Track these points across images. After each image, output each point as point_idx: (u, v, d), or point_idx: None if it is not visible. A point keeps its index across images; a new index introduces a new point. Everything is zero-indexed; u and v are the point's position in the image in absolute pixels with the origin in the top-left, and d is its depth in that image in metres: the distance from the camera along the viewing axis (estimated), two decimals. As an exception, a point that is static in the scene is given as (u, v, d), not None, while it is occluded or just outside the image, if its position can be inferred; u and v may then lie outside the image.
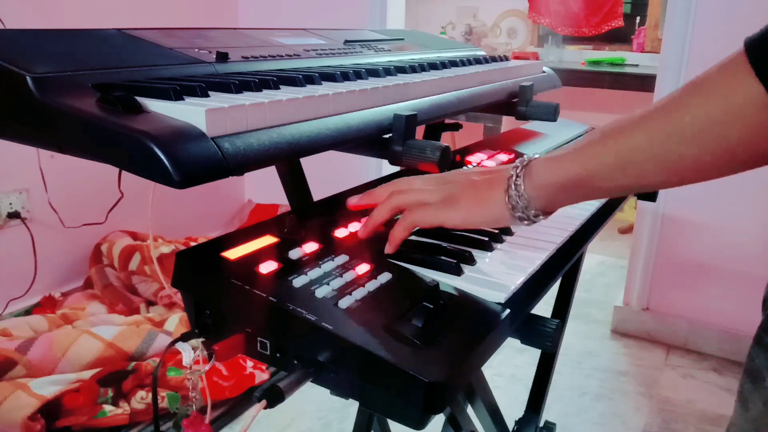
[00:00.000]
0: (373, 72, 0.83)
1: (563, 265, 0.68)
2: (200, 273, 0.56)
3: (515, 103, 1.04)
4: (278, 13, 2.56)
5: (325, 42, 0.98)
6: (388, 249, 0.63)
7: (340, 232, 0.65)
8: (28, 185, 2.01)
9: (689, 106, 0.48)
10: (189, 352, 0.58)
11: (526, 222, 0.59)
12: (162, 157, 0.47)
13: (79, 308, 1.99)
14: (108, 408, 1.51)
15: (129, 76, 0.62)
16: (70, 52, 0.61)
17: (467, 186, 0.61)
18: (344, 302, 0.52)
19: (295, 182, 0.77)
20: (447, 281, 0.58)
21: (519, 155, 1.02)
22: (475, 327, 0.52)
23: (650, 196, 1.12)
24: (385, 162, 0.72)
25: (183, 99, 0.57)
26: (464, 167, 0.64)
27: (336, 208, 0.73)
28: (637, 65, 3.06)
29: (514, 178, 0.58)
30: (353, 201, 0.68)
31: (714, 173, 0.50)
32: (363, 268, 0.58)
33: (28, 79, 0.53)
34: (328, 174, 1.50)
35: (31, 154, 1.94)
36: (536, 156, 0.59)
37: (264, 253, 0.58)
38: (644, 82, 2.64)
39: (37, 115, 0.53)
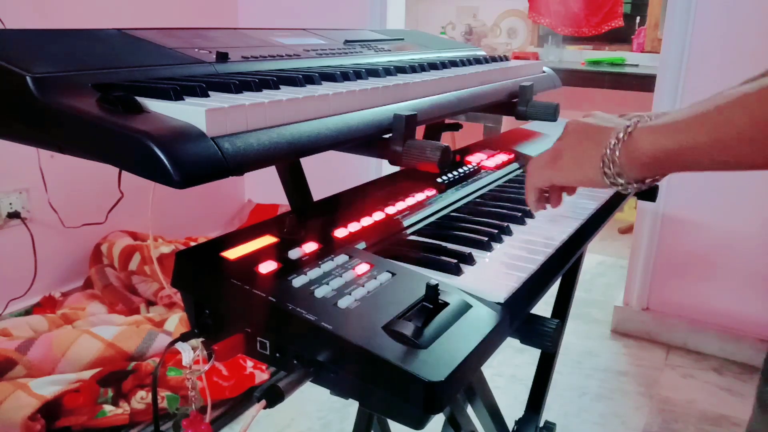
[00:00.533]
0: (373, 72, 0.83)
1: (563, 265, 0.68)
2: (200, 273, 0.56)
3: (515, 103, 1.04)
4: (278, 13, 2.56)
5: (325, 42, 0.98)
6: (534, 208, 0.69)
7: (340, 232, 0.65)
8: (28, 185, 2.01)
9: None
10: (189, 352, 0.58)
11: (619, 188, 0.58)
12: (162, 157, 0.47)
13: (79, 308, 1.99)
14: (108, 408, 1.51)
15: (129, 76, 0.62)
16: (70, 52, 0.61)
17: (573, 144, 0.62)
18: (344, 302, 0.52)
19: (295, 182, 0.77)
20: (447, 281, 0.58)
21: (519, 155, 1.02)
22: (475, 327, 0.52)
23: (650, 196, 1.11)
24: (385, 162, 0.72)
25: (183, 99, 0.57)
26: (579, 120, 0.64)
27: (336, 208, 0.73)
28: (637, 65, 3.06)
29: (613, 143, 0.57)
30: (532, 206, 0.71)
31: None
32: (363, 268, 0.58)
33: (28, 79, 0.53)
34: (328, 174, 1.50)
35: (31, 154, 1.94)
36: (642, 121, 0.57)
37: (264, 253, 0.58)
38: (644, 82, 2.64)
39: (37, 115, 0.53)
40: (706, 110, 0.52)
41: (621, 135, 0.56)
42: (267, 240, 0.61)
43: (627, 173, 0.57)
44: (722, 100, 0.51)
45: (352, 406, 1.68)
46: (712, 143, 0.51)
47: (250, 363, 1.71)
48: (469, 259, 0.63)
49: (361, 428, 1.06)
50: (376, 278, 0.56)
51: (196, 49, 0.75)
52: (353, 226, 0.67)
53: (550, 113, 1.02)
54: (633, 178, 0.57)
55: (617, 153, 0.56)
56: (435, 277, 0.58)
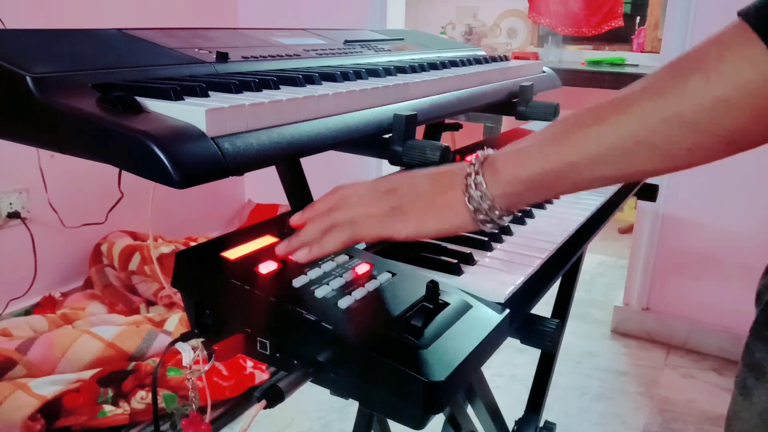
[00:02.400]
0: (373, 72, 0.83)
1: (563, 265, 0.68)
2: (200, 273, 0.56)
3: (515, 103, 1.04)
4: (278, 13, 2.56)
5: (325, 42, 0.98)
6: (306, 256, 0.56)
7: (340, 232, 0.65)
8: (28, 185, 2.01)
9: (687, 86, 0.44)
10: (189, 352, 0.58)
11: (489, 225, 0.53)
12: (162, 157, 0.47)
13: (79, 308, 1.99)
14: (108, 408, 1.51)
15: (129, 76, 0.62)
16: (70, 52, 0.61)
17: (416, 192, 0.54)
18: (344, 302, 0.52)
19: (295, 182, 0.77)
20: (447, 281, 0.58)
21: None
22: (475, 327, 0.52)
23: (650, 196, 1.12)
24: (385, 162, 0.72)
25: (183, 99, 0.57)
26: (405, 172, 0.58)
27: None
28: (637, 65, 3.06)
29: (473, 176, 0.52)
30: (295, 219, 0.60)
31: (711, 157, 0.45)
32: (363, 268, 0.58)
33: (28, 79, 0.53)
34: (328, 174, 1.50)
35: (31, 154, 1.94)
36: (493, 151, 0.53)
37: (264, 253, 0.58)
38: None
39: (37, 115, 0.53)
40: (585, 121, 0.48)
41: (476, 166, 0.52)
42: (267, 240, 0.61)
43: (498, 203, 0.51)
44: (603, 108, 0.47)
45: (352, 406, 1.68)
46: (599, 156, 0.47)
47: (250, 363, 1.71)
48: (469, 259, 0.63)
49: (361, 428, 1.06)
50: (376, 278, 0.56)
51: (196, 49, 0.75)
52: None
53: (550, 113, 1.02)
54: (505, 208, 0.52)
55: (484, 185, 0.51)
56: (435, 277, 0.58)
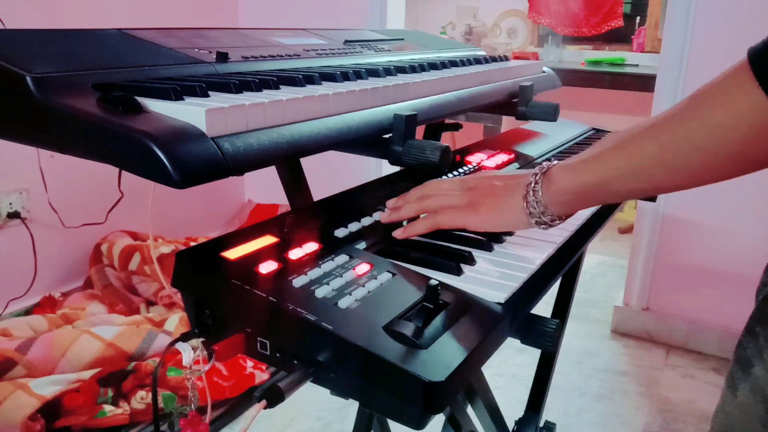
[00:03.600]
0: (373, 72, 0.83)
1: (563, 265, 0.68)
2: (200, 273, 0.56)
3: (515, 103, 1.04)
4: (278, 13, 2.56)
5: (325, 42, 0.98)
6: (400, 234, 0.67)
7: (340, 232, 0.65)
8: (28, 185, 2.01)
9: (697, 114, 0.51)
10: (189, 352, 0.58)
11: (543, 227, 0.63)
12: (162, 157, 0.47)
13: (79, 308, 1.99)
14: (108, 408, 1.51)
15: (129, 76, 0.62)
16: (70, 52, 0.61)
17: (488, 192, 0.65)
18: (344, 302, 0.52)
19: (295, 182, 0.77)
20: (447, 281, 0.58)
21: (519, 155, 1.02)
22: (475, 327, 0.52)
23: (650, 197, 1.12)
24: (385, 162, 0.72)
25: (183, 99, 0.57)
26: (484, 172, 0.70)
27: (336, 208, 0.73)
28: (637, 65, 3.06)
29: (532, 185, 0.62)
30: (391, 203, 0.71)
31: (722, 175, 0.53)
32: (363, 268, 0.58)
33: (28, 79, 0.53)
34: (328, 174, 1.50)
35: (31, 154, 1.94)
36: (554, 163, 0.63)
37: (264, 253, 0.58)
38: (644, 82, 2.64)
39: (37, 115, 0.53)
40: (619, 143, 0.57)
41: (537, 176, 0.62)
42: (267, 240, 0.61)
43: (551, 210, 0.62)
44: (634, 131, 0.56)
45: (352, 406, 1.68)
46: (629, 172, 0.56)
47: (250, 363, 1.71)
48: (469, 259, 0.63)
49: (361, 428, 1.06)
50: (376, 278, 0.56)
51: (196, 49, 0.75)
52: (353, 226, 0.67)
53: (550, 113, 1.02)
54: (557, 214, 0.62)
55: (540, 193, 0.61)
56: (435, 277, 0.58)
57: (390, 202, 0.72)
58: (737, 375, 0.61)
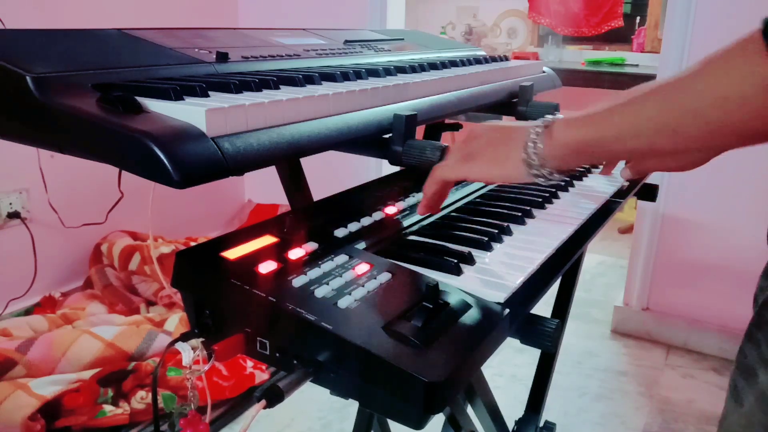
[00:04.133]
0: (373, 72, 0.83)
1: (563, 265, 0.68)
2: (200, 273, 0.56)
3: (515, 103, 1.04)
4: (278, 13, 2.56)
5: (325, 42, 0.98)
6: (420, 210, 0.70)
7: (340, 232, 0.65)
8: (28, 185, 2.01)
9: (702, 81, 0.50)
10: (189, 352, 0.58)
11: (541, 180, 0.62)
12: (162, 157, 0.47)
13: (79, 308, 1.99)
14: (108, 408, 1.51)
15: (129, 76, 0.62)
16: (70, 52, 0.61)
17: (488, 143, 0.64)
18: (344, 302, 0.52)
19: (295, 182, 0.77)
20: (447, 281, 0.58)
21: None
22: (475, 327, 0.52)
23: (650, 196, 1.11)
24: (385, 162, 0.72)
25: (183, 99, 0.57)
26: (486, 123, 0.68)
27: (336, 208, 0.73)
28: (637, 65, 3.06)
29: (533, 137, 0.61)
30: (421, 210, 0.72)
31: (722, 144, 0.53)
32: (362, 268, 0.58)
33: (28, 79, 0.53)
34: (328, 174, 1.50)
35: (31, 154, 1.94)
36: (558, 117, 0.62)
37: (264, 253, 0.58)
38: (644, 82, 2.63)
39: (37, 115, 0.53)
40: (621, 102, 0.56)
41: (539, 129, 0.61)
42: (267, 240, 0.61)
43: (550, 163, 0.61)
44: (637, 92, 0.55)
45: (352, 406, 1.68)
46: (627, 131, 0.55)
47: (250, 363, 1.71)
48: (469, 259, 0.63)
49: (361, 428, 1.06)
50: (376, 278, 0.56)
51: (196, 49, 0.75)
52: (353, 226, 0.67)
53: (550, 113, 1.02)
54: (556, 168, 0.61)
55: (540, 145, 0.60)
56: (435, 277, 0.58)
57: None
58: (740, 384, 0.60)
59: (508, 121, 0.68)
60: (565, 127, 0.60)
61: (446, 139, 1.24)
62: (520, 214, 0.77)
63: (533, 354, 1.06)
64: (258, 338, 0.53)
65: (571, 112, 0.62)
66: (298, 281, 0.54)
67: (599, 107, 0.59)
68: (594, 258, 2.90)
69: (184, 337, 0.57)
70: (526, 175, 0.62)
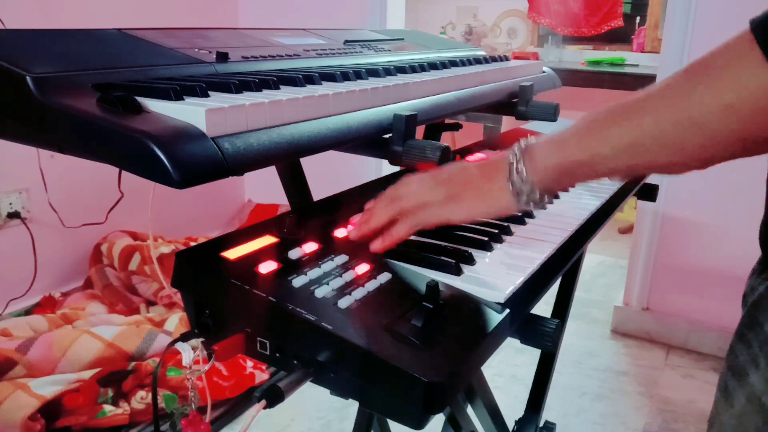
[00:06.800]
0: (373, 72, 0.83)
1: (563, 265, 0.68)
2: (200, 273, 0.56)
3: (515, 103, 1.04)
4: (278, 13, 2.56)
5: (325, 42, 0.98)
6: (377, 246, 0.62)
7: (340, 232, 0.65)
8: (28, 185, 2.01)
9: (697, 90, 0.48)
10: (189, 352, 0.58)
11: (532, 205, 0.59)
12: (162, 157, 0.47)
13: (79, 308, 1.99)
14: (108, 408, 1.51)
15: (129, 76, 0.62)
16: (70, 52, 0.61)
17: (467, 181, 0.61)
18: (344, 302, 0.52)
19: (295, 182, 0.77)
20: (447, 281, 0.58)
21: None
22: (475, 327, 0.52)
23: (650, 196, 1.11)
24: (385, 162, 0.72)
25: (183, 99, 0.57)
26: (456, 163, 0.66)
27: (336, 208, 0.73)
28: (637, 65, 3.06)
29: (515, 164, 0.58)
30: (354, 234, 0.65)
31: (722, 154, 0.49)
32: (363, 268, 0.58)
33: (28, 79, 0.53)
34: (328, 174, 1.50)
35: (31, 154, 1.94)
36: (532, 140, 0.59)
37: (264, 253, 0.58)
38: (644, 82, 2.61)
39: (37, 115, 0.53)
40: (612, 116, 0.53)
41: (517, 155, 0.58)
42: (267, 240, 0.61)
43: (537, 187, 0.58)
44: (628, 104, 0.53)
45: (352, 406, 1.68)
46: (622, 148, 0.52)
47: (250, 363, 1.71)
48: (469, 259, 0.63)
49: (361, 428, 1.06)
50: (376, 278, 0.56)
51: (196, 49, 0.75)
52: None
53: (550, 113, 1.02)
54: (546, 190, 0.58)
55: (524, 172, 0.58)
56: (435, 277, 0.58)
57: (355, 218, 0.66)
58: (731, 383, 0.60)
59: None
60: (549, 148, 0.57)
61: (446, 139, 1.24)
62: (520, 214, 0.77)
63: (533, 354, 1.06)
64: (258, 338, 0.53)
65: (543, 134, 0.60)
66: (298, 281, 0.54)
67: (584, 123, 0.56)
68: (594, 258, 2.90)
69: (184, 337, 0.57)
70: (515, 205, 0.59)
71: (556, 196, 0.87)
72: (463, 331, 0.51)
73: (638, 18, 3.30)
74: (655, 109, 0.50)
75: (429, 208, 0.62)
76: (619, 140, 0.53)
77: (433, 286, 0.52)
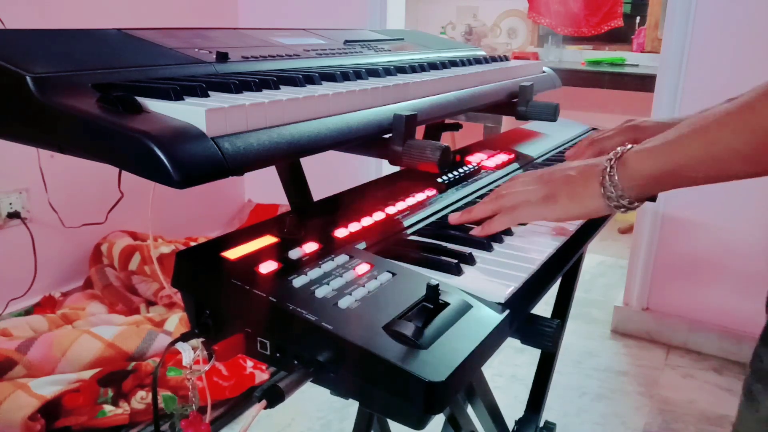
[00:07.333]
0: (373, 72, 0.83)
1: (563, 265, 0.68)
2: (200, 273, 0.56)
3: (515, 103, 1.04)
4: (278, 13, 2.56)
5: (325, 42, 0.98)
6: (475, 232, 0.69)
7: (340, 232, 0.65)
8: (28, 185, 2.01)
9: None
10: (189, 352, 0.58)
11: (622, 210, 0.64)
12: (162, 157, 0.47)
13: (79, 308, 1.99)
14: (108, 408, 1.51)
15: (129, 76, 0.62)
16: (70, 52, 0.61)
17: (564, 182, 0.66)
18: (344, 302, 0.52)
19: (295, 182, 0.77)
20: (447, 281, 0.58)
21: (519, 155, 1.02)
22: (475, 327, 0.52)
23: (650, 196, 1.11)
24: (385, 162, 0.72)
25: (183, 99, 0.57)
26: (557, 165, 0.71)
27: (336, 208, 0.73)
28: (637, 65, 3.06)
29: (608, 170, 0.62)
30: (455, 218, 0.72)
31: None
32: (363, 268, 0.58)
33: (28, 79, 0.53)
34: (328, 174, 1.50)
35: (31, 154, 1.94)
36: (629, 147, 0.63)
37: (264, 253, 0.58)
38: (644, 82, 2.64)
39: (37, 115, 0.53)
40: (695, 129, 0.58)
41: (612, 161, 0.63)
42: (267, 240, 0.61)
43: (628, 193, 0.62)
44: (710, 117, 0.57)
45: (352, 406, 1.68)
46: (703, 160, 0.57)
47: (250, 363, 1.71)
48: (469, 259, 0.63)
49: (361, 428, 1.06)
50: (376, 278, 0.56)
51: (196, 49, 0.75)
52: (353, 226, 0.67)
53: (550, 113, 1.02)
54: (636, 197, 0.63)
55: (616, 177, 0.62)
56: (435, 277, 0.58)
57: (453, 217, 0.73)
58: (755, 387, 0.60)
59: (581, 161, 0.70)
60: (639, 157, 0.61)
61: (446, 139, 1.24)
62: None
63: (533, 354, 1.06)
64: (258, 338, 0.53)
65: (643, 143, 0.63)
66: (298, 281, 0.54)
67: (672, 134, 0.60)
68: (594, 258, 2.90)
69: (184, 337, 0.57)
70: (605, 208, 0.64)
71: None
72: (463, 331, 0.51)
73: (638, 18, 3.30)
74: (733, 122, 0.54)
75: (526, 207, 0.67)
76: (701, 152, 0.57)
77: (433, 286, 0.52)
